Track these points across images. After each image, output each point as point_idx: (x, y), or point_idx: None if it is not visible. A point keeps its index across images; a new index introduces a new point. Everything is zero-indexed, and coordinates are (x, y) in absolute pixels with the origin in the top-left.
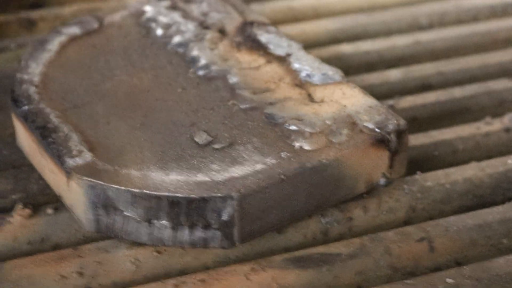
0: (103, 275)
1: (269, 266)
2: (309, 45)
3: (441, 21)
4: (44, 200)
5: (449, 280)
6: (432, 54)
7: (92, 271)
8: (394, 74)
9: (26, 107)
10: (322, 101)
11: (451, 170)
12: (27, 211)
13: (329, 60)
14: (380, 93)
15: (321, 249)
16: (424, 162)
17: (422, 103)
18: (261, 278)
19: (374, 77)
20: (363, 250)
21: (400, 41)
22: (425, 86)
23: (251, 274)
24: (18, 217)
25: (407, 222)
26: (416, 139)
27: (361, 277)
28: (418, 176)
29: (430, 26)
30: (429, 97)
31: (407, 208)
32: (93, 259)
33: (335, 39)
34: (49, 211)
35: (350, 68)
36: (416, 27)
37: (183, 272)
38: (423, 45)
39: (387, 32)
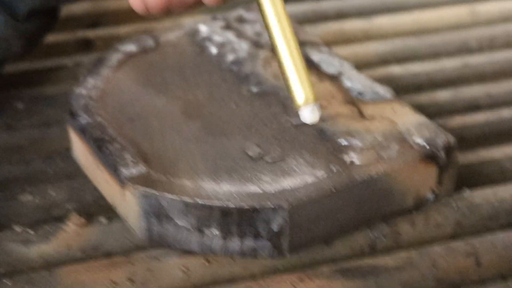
0: (153, 282)
1: (316, 276)
2: (359, 67)
3: (491, 45)
4: (97, 210)
5: None
6: (481, 76)
7: (143, 278)
8: (443, 95)
9: (83, 120)
10: (373, 118)
11: (499, 188)
12: (81, 220)
13: (378, 81)
14: (429, 113)
15: (368, 261)
16: (472, 180)
17: (471, 123)
18: (307, 287)
19: (423, 98)
20: (410, 263)
21: (449, 64)
22: (473, 107)
23: (298, 283)
24: (73, 225)
25: (454, 237)
26: (465, 157)
27: None
28: (466, 193)
29: (479, 50)
30: (478, 117)
31: (454, 224)
32: (144, 266)
33: (385, 61)
34: (103, 220)
35: (399, 89)
36: (465, 50)
37: (232, 281)
38: (472, 67)
39: (436, 54)
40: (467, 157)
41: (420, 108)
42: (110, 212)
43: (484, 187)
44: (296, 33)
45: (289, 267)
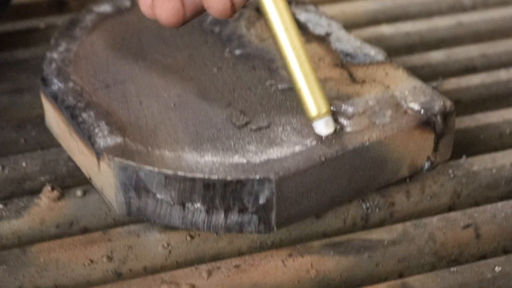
0: (133, 260)
1: (307, 252)
2: (348, 26)
3: (485, 2)
4: (73, 182)
5: (497, 269)
6: (475, 36)
7: (122, 255)
8: (436, 56)
9: (55, 86)
10: (364, 81)
11: (498, 154)
12: (55, 193)
13: (368, 42)
14: (422, 75)
15: (362, 234)
16: (469, 146)
17: (467, 86)
18: (298, 264)
19: (416, 59)
20: (406, 237)
21: (442, 23)
22: (469, 69)
23: (288, 260)
24: (46, 199)
25: (451, 208)
26: (461, 122)
27: (403, 265)
28: (464, 160)
29: (473, 8)
30: (474, 80)
31: (451, 193)
32: (123, 243)
33: (375, 20)
34: (78, 193)
35: (390, 50)
36: (458, 8)
37: (216, 258)
38: (466, 27)
39: (428, 13)
40: (463, 122)
41: (412, 70)
42: (86, 184)
43: (482, 153)
44: None
45: (278, 242)
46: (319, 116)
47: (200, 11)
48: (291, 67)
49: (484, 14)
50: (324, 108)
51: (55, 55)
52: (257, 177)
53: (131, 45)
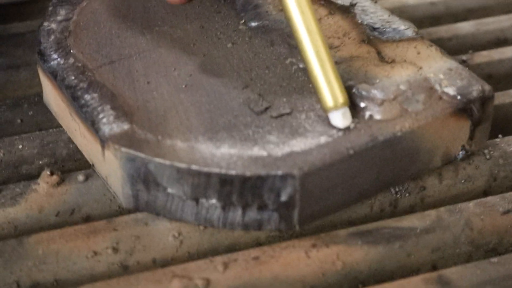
0: (141, 252)
1: (333, 242)
2: None
3: None
4: (74, 166)
5: None
6: (506, 5)
7: (129, 246)
8: (464, 27)
9: (55, 62)
10: (394, 61)
11: None
12: (55, 178)
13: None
14: (449, 48)
15: (391, 222)
16: (505, 124)
17: (499, 59)
18: (323, 255)
19: (443, 31)
20: (440, 224)
21: None
22: (500, 41)
23: (312, 250)
24: (45, 185)
25: (487, 192)
26: (495, 98)
27: (438, 255)
28: (500, 140)
29: None
30: (507, 52)
31: (487, 176)
32: (130, 233)
33: None
34: (80, 178)
35: (415, 21)
36: None
37: (233, 249)
38: None
39: None
40: (497, 98)
41: (439, 43)
42: (88, 168)
43: None
44: None
45: (299, 232)
46: (335, 107)
47: None
48: (306, 53)
49: None
50: (341, 99)
51: (53, 25)
52: (279, 172)
53: (136, 14)
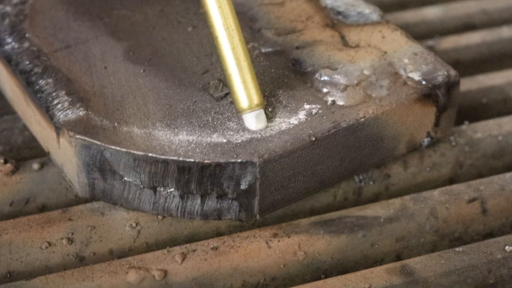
0: (97, 242)
1: (294, 232)
2: None
3: None
4: (29, 154)
5: (508, 248)
6: None
7: (85, 237)
8: (432, 12)
9: (9, 46)
10: (358, 46)
11: (504, 119)
12: (9, 166)
13: None
14: (417, 33)
15: (355, 211)
16: (471, 111)
17: (466, 44)
18: (285, 245)
19: (410, 15)
20: (404, 213)
21: None
22: (467, 26)
23: (272, 240)
24: None
25: (453, 180)
26: (462, 85)
27: (402, 244)
28: (466, 126)
29: None
30: (474, 38)
31: (453, 163)
32: (86, 223)
33: None
34: (35, 166)
35: (382, 6)
36: None
37: (191, 239)
38: None
39: None
40: (464, 85)
41: (406, 28)
42: (44, 157)
43: (486, 119)
44: None
45: (261, 221)
46: (250, 108)
47: None
48: (222, 51)
49: None
50: (256, 100)
51: (8, 9)
52: (239, 160)
53: None
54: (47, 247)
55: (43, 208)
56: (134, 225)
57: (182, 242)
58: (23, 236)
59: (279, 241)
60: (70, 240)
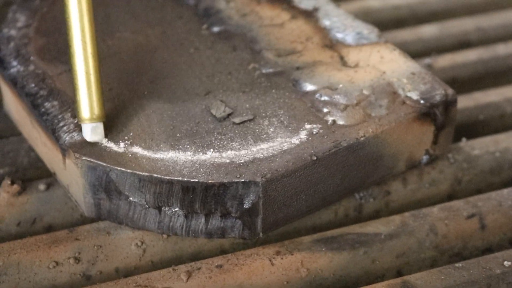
0: (103, 261)
1: (297, 249)
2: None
3: None
4: (35, 174)
5: (507, 263)
6: (469, 8)
7: (91, 256)
8: (428, 30)
9: (14, 70)
10: (357, 65)
11: (501, 136)
12: (16, 187)
13: (355, 16)
14: (414, 51)
15: (356, 228)
16: (468, 127)
17: (463, 62)
18: (287, 262)
19: (407, 34)
20: (404, 229)
21: None
22: (463, 43)
23: (276, 258)
24: (5, 194)
25: (451, 196)
26: (459, 102)
27: (402, 260)
28: (464, 143)
29: None
30: (470, 55)
31: (452, 180)
32: (92, 242)
33: None
34: (41, 187)
35: (379, 25)
36: None
37: (196, 257)
38: None
39: None
40: (461, 102)
41: (404, 46)
42: (50, 177)
43: (483, 135)
44: None
45: (264, 238)
46: (90, 120)
47: None
48: (74, 61)
49: None
50: (97, 112)
51: (13, 32)
52: (242, 180)
53: (97, 20)
54: (54, 267)
55: (49, 228)
56: (139, 244)
57: (187, 260)
58: (31, 256)
59: (282, 258)
60: (77, 260)
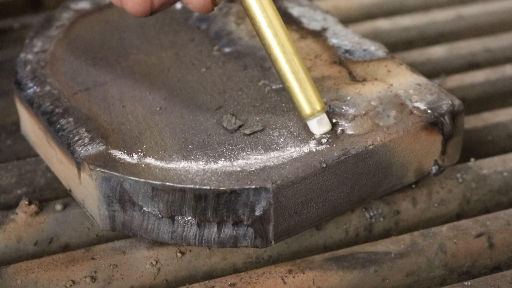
0: (119, 280)
1: (308, 267)
2: (342, 21)
3: None
4: (52, 195)
5: None
6: (477, 29)
7: (107, 275)
8: (437, 52)
9: (31, 90)
10: (364, 79)
11: (509, 156)
12: (33, 207)
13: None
14: (423, 72)
15: (366, 247)
16: (477, 147)
17: (471, 83)
18: (299, 280)
19: (416, 55)
20: (414, 248)
21: (441, 16)
22: (472, 64)
23: (288, 276)
24: (23, 214)
25: (460, 215)
26: (467, 122)
27: (412, 279)
28: (472, 163)
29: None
30: (479, 76)
31: (460, 199)
32: (108, 261)
33: (370, 15)
34: (58, 207)
35: (388, 46)
36: (457, 0)
37: (210, 275)
38: (466, 20)
39: (426, 6)
40: (469, 122)
41: (413, 67)
42: (66, 197)
43: (491, 155)
44: None
45: (276, 257)
46: (313, 115)
47: (170, 2)
48: (279, 64)
49: (484, 6)
50: (318, 106)
51: (30, 56)
52: (253, 186)
53: (112, 44)
54: (71, 285)
55: (65, 247)
56: (154, 263)
57: (201, 279)
58: (48, 275)
59: (294, 277)
60: (93, 278)
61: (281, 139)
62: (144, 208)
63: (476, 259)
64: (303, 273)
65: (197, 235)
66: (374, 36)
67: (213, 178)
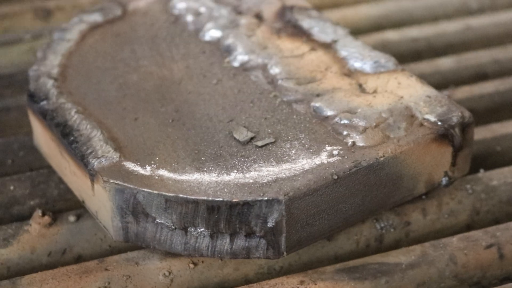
0: None
1: (320, 278)
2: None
3: (492, 5)
4: (65, 206)
5: None
6: (485, 40)
7: (120, 286)
8: (446, 63)
9: (44, 103)
10: (375, 91)
11: None
12: (47, 218)
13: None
14: (432, 83)
15: (377, 258)
16: (486, 158)
17: (480, 94)
18: None
19: (424, 66)
20: (425, 259)
21: (449, 27)
22: (480, 75)
23: (300, 287)
24: (37, 225)
25: (470, 226)
26: (476, 133)
27: None
28: (482, 174)
29: (480, 10)
30: (487, 87)
31: (470, 210)
32: (121, 272)
33: (379, 26)
34: (71, 218)
35: (396, 57)
36: (465, 11)
37: (222, 286)
38: (475, 31)
39: (434, 17)
40: (478, 133)
41: (421, 78)
42: (79, 208)
43: (501, 166)
44: None
45: (287, 268)
46: None
47: None
48: None
49: (492, 17)
50: None
51: (42, 69)
52: (265, 198)
53: (123, 57)
54: None
55: (79, 259)
56: (167, 274)
57: None
58: (62, 286)
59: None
60: None
61: (293, 151)
62: (157, 220)
63: (486, 270)
64: (315, 284)
65: (210, 246)
66: (383, 48)
67: (226, 190)
